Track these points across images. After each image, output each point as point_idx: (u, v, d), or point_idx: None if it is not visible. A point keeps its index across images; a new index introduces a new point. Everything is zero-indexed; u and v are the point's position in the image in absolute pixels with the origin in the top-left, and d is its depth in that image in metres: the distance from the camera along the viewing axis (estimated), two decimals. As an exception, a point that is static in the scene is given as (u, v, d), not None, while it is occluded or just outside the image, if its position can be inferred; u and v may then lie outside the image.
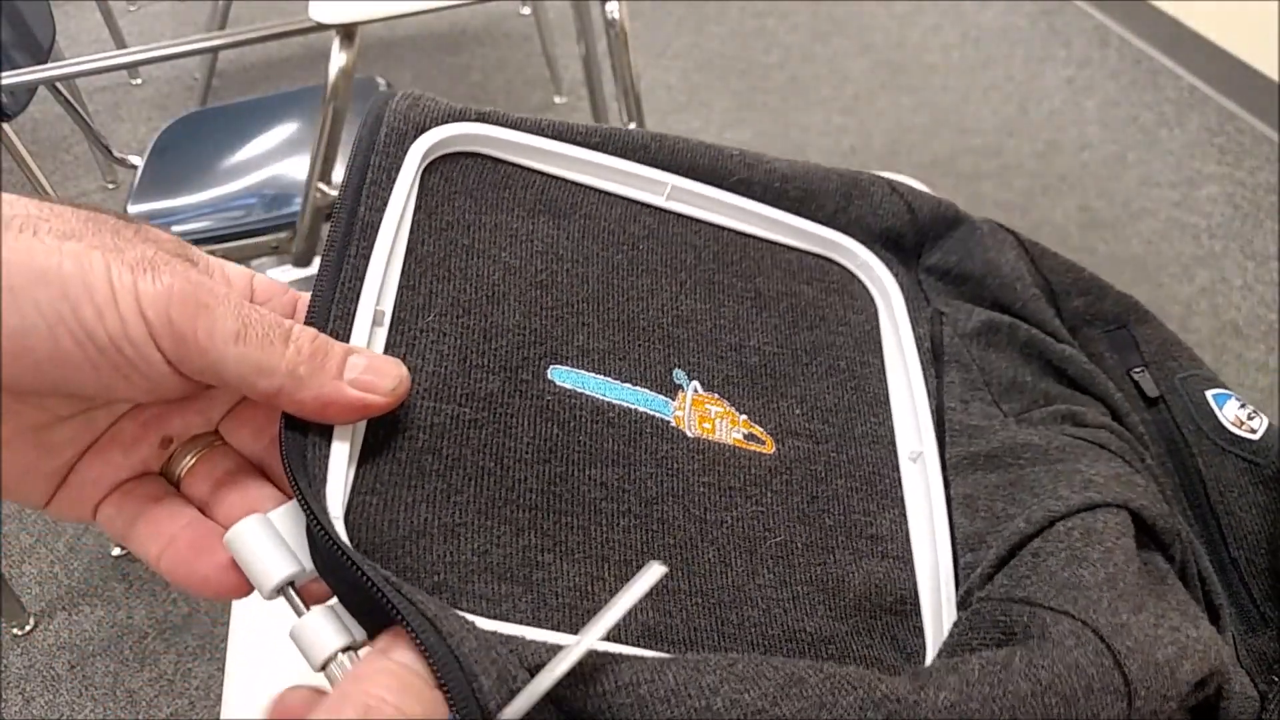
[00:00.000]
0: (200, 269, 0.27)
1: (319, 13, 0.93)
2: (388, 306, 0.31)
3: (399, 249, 0.32)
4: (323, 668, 0.24)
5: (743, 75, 2.17)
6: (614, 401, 0.33)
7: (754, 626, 0.30)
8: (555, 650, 0.24)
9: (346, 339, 0.29)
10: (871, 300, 0.42)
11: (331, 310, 0.29)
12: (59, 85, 1.33)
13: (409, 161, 0.33)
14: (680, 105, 2.09)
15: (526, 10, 2.33)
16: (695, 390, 0.35)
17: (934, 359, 0.40)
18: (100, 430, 0.27)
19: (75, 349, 0.23)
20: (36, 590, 1.29)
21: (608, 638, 0.27)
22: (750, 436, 0.35)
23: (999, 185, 1.85)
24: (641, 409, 0.33)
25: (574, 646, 0.23)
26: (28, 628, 1.25)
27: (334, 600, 0.25)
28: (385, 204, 0.32)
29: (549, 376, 0.32)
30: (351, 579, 0.24)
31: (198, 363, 0.24)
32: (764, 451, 0.35)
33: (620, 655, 0.25)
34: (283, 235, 1.23)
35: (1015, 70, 2.14)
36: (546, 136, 0.37)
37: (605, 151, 0.38)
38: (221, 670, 0.58)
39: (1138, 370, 0.43)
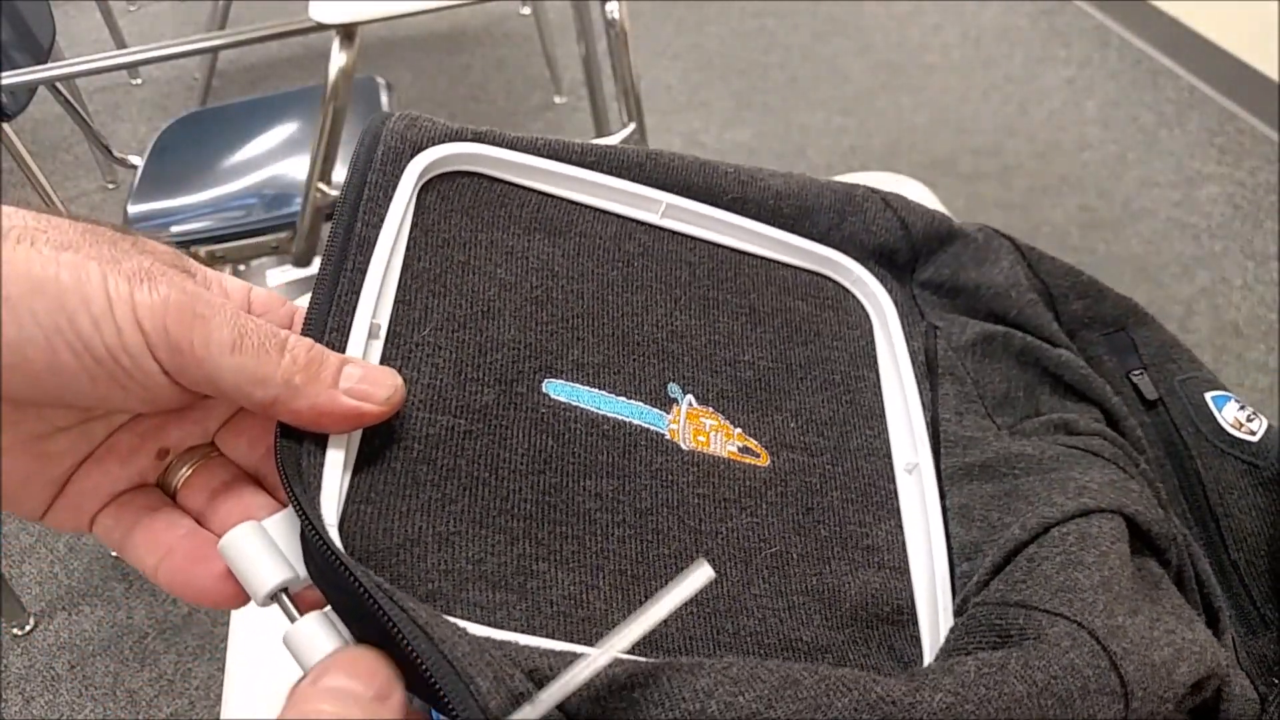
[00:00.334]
0: (198, 281, 0.27)
1: (319, 13, 0.93)
2: (383, 320, 0.31)
3: (395, 264, 0.32)
4: None
5: (743, 75, 2.17)
6: (608, 414, 0.33)
7: (750, 636, 0.30)
8: (549, 655, 0.24)
9: (342, 351, 0.29)
10: (866, 315, 0.42)
11: (328, 322, 0.30)
12: (59, 85, 1.33)
13: (405, 179, 0.34)
14: (680, 105, 2.09)
15: (526, 10, 2.33)
16: (690, 404, 0.35)
17: (929, 372, 0.40)
18: (98, 441, 0.28)
19: (72, 359, 0.23)
20: (36, 590, 1.29)
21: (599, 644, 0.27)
22: (745, 449, 0.35)
23: (999, 185, 1.85)
24: (636, 422, 0.33)
25: (614, 640, 0.23)
26: (28, 628, 1.25)
27: (328, 607, 0.25)
28: (382, 220, 0.32)
29: (544, 390, 0.32)
30: (344, 585, 0.24)
31: (194, 373, 0.24)
32: (759, 464, 0.35)
33: (615, 659, 0.25)
34: (283, 235, 1.23)
35: (1015, 70, 2.14)
36: (542, 155, 0.38)
37: (600, 170, 0.39)
38: (221, 670, 0.58)
39: (1137, 373, 0.43)
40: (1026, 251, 0.44)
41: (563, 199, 0.38)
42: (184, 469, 0.29)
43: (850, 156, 1.93)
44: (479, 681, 0.22)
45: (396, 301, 0.32)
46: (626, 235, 0.38)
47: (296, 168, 1.27)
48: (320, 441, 0.27)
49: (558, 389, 0.32)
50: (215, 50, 1.91)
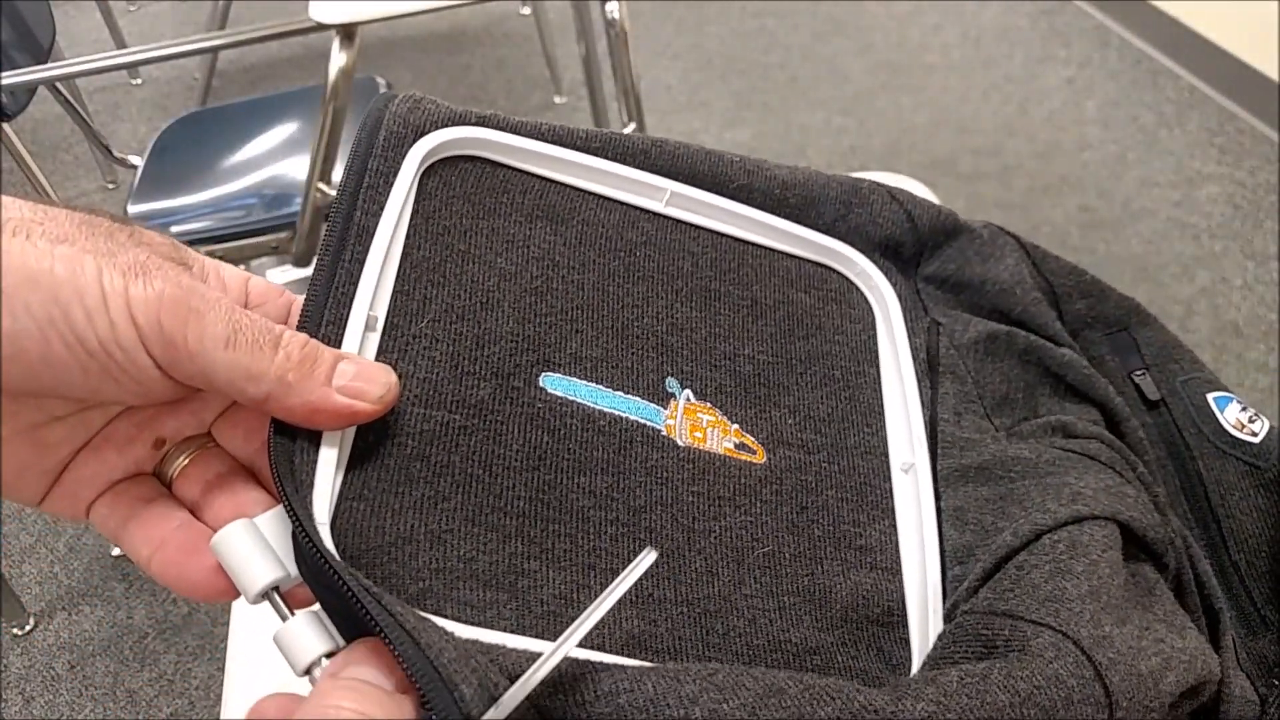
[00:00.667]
0: (195, 272, 0.27)
1: (319, 13, 0.93)
2: (381, 311, 0.31)
3: (394, 253, 0.32)
4: (306, 672, 0.24)
5: (743, 75, 2.17)
6: (605, 410, 0.33)
7: (739, 636, 0.30)
8: (536, 659, 0.23)
9: (339, 344, 0.29)
10: (869, 309, 0.42)
11: (324, 315, 0.29)
12: (59, 85, 1.33)
13: (407, 165, 0.33)
14: (680, 105, 2.09)
15: (526, 10, 2.33)
16: (688, 399, 0.35)
17: (929, 369, 0.40)
18: (95, 430, 0.28)
19: (66, 352, 0.23)
20: (36, 590, 1.29)
21: (591, 646, 0.27)
22: (741, 446, 0.35)
23: (999, 185, 1.85)
24: (633, 417, 0.33)
25: (568, 634, 0.23)
26: (28, 628, 1.25)
27: (318, 606, 0.25)
28: (382, 208, 0.32)
29: (540, 384, 0.32)
30: (333, 587, 0.24)
31: (187, 368, 0.24)
32: (755, 461, 0.35)
33: (600, 664, 0.25)
34: (283, 235, 1.23)
35: (1015, 70, 2.14)
36: (546, 141, 0.37)
37: (605, 156, 0.38)
38: (221, 670, 0.58)
39: (1139, 373, 0.43)
40: (1031, 250, 0.44)
41: (566, 185, 0.38)
42: (180, 459, 0.29)
43: (850, 156, 1.93)
44: (463, 688, 0.21)
45: (395, 292, 0.31)
46: (630, 223, 0.38)
47: (296, 168, 1.27)
48: (314, 438, 0.27)
49: (555, 383, 0.32)
50: (215, 50, 1.91)
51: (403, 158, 0.34)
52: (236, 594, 0.26)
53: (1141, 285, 1.63)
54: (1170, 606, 0.32)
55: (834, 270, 0.42)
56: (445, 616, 0.26)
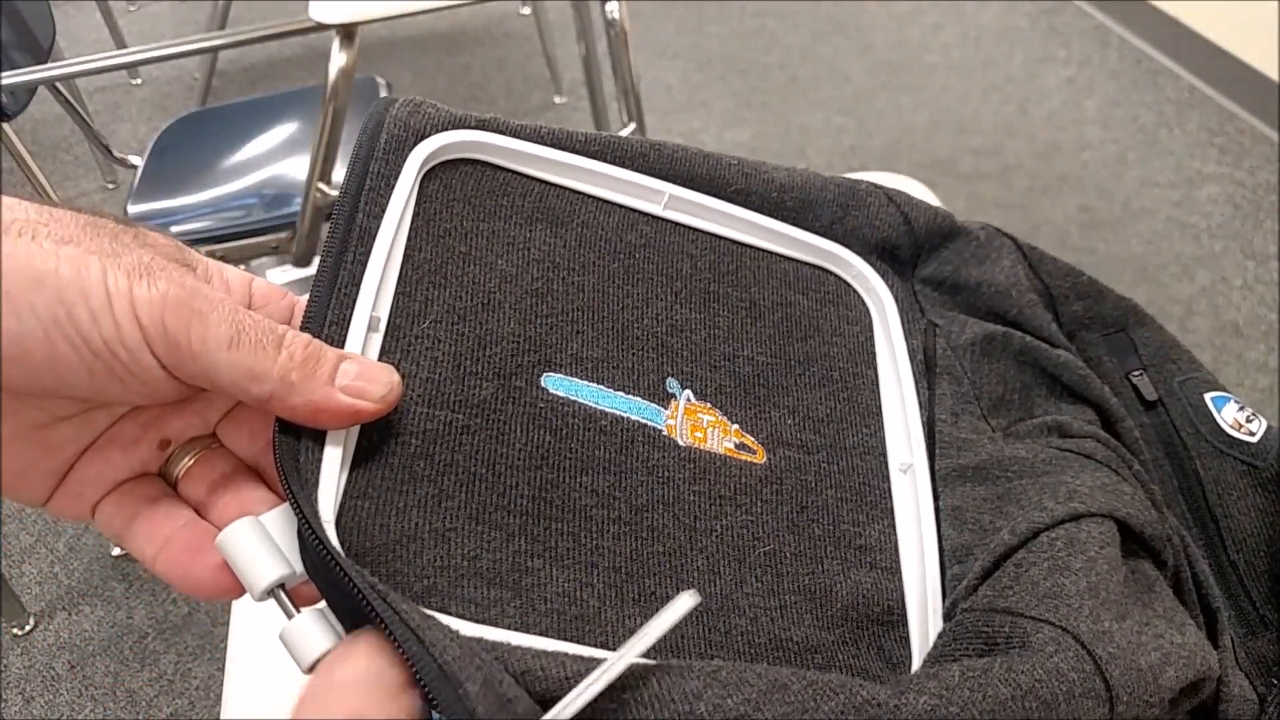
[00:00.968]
0: (199, 274, 0.27)
1: (319, 13, 0.93)
2: (384, 312, 0.31)
3: (396, 255, 0.32)
4: (311, 669, 0.24)
5: (743, 75, 2.17)
6: (606, 409, 0.33)
7: (741, 635, 0.30)
8: (541, 656, 0.24)
9: (342, 344, 0.29)
10: (866, 311, 0.42)
11: (327, 315, 0.29)
12: (59, 85, 1.33)
13: (408, 168, 0.34)
14: (680, 105, 2.09)
15: (526, 10, 2.33)
16: (688, 399, 0.35)
17: (927, 371, 0.40)
18: (100, 430, 0.28)
19: (71, 353, 0.23)
20: (36, 590, 1.29)
21: (595, 644, 0.27)
22: (741, 446, 0.35)
23: (999, 185, 1.85)
24: (634, 417, 0.33)
25: (606, 667, 0.23)
26: (28, 628, 1.25)
27: (324, 603, 0.25)
28: (383, 210, 0.32)
29: (542, 384, 0.32)
30: (339, 584, 0.24)
31: (191, 368, 0.25)
32: (755, 461, 0.35)
33: (601, 662, 0.25)
34: (283, 235, 1.23)
35: (1015, 70, 2.14)
36: (546, 144, 0.37)
37: (604, 159, 0.38)
38: (221, 670, 0.58)
39: (1136, 374, 0.43)
40: (1028, 251, 0.44)
41: (566, 188, 0.38)
42: (185, 459, 0.29)
43: (850, 156, 1.93)
44: (468, 686, 0.22)
45: (397, 293, 0.32)
46: (629, 226, 0.38)
47: (296, 168, 1.27)
48: (318, 437, 0.27)
49: (556, 383, 0.32)
50: (215, 50, 1.91)
51: (404, 161, 0.34)
52: (241, 592, 0.26)
53: (1141, 285, 1.63)
54: (1170, 603, 0.32)
55: (831, 273, 0.43)
56: (449, 614, 0.26)
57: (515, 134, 0.37)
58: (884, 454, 0.38)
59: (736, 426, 0.35)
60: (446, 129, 0.35)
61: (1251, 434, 0.40)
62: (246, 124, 1.36)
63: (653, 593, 0.30)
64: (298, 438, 0.27)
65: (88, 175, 1.97)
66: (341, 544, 0.26)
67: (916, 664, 0.32)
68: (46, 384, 0.24)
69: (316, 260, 0.33)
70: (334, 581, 0.24)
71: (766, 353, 0.38)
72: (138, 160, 1.33)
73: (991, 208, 1.80)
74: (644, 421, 0.33)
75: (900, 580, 0.34)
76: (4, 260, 0.22)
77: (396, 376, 0.28)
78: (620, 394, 0.33)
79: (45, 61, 1.26)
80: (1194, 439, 0.41)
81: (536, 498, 0.30)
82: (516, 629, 0.27)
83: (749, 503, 0.33)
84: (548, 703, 0.23)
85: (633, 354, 0.35)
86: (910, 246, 0.44)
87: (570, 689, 0.23)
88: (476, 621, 0.26)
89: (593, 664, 0.24)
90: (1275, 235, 1.70)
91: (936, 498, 0.36)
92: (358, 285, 0.30)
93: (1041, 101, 2.05)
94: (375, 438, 0.28)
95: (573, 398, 0.32)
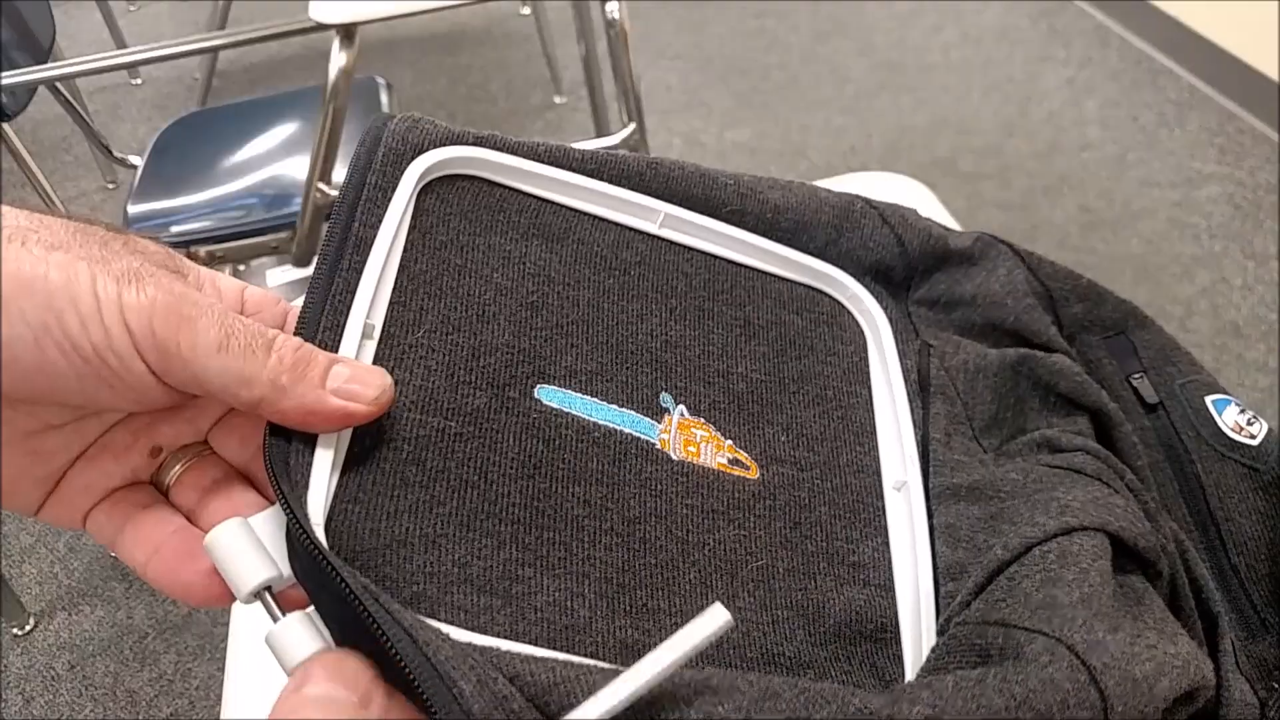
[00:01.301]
0: (190, 280, 0.27)
1: (319, 13, 0.93)
2: (378, 320, 0.31)
3: (392, 265, 0.32)
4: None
5: (743, 75, 2.17)
6: (600, 422, 0.33)
7: (733, 649, 0.30)
8: (531, 661, 0.24)
9: (335, 351, 0.29)
10: (860, 332, 0.42)
11: (321, 322, 0.29)
12: (59, 85, 1.33)
13: (405, 181, 0.34)
14: (680, 105, 2.09)
15: (526, 10, 2.33)
16: (681, 414, 0.35)
17: (921, 390, 0.40)
18: (91, 438, 0.28)
19: (61, 359, 0.23)
20: (36, 590, 1.29)
21: (585, 653, 0.27)
22: (735, 461, 0.35)
23: (999, 185, 1.85)
24: (627, 430, 0.33)
25: (635, 679, 0.23)
26: (28, 628, 1.25)
27: (311, 607, 0.25)
28: (380, 221, 0.32)
29: (536, 395, 0.32)
30: (328, 585, 0.24)
31: (181, 373, 0.24)
32: (748, 477, 0.35)
33: (595, 668, 0.25)
34: (283, 235, 1.23)
35: (1015, 70, 2.14)
36: (543, 161, 0.38)
37: (600, 178, 0.39)
38: (221, 670, 0.58)
39: (1136, 376, 0.43)
40: (1026, 256, 0.44)
41: (561, 205, 0.38)
42: (176, 466, 0.29)
43: (850, 156, 1.93)
44: (462, 685, 0.21)
45: (392, 303, 0.32)
46: (624, 244, 0.38)
47: (296, 168, 1.27)
48: (309, 441, 0.27)
49: (550, 395, 0.32)
50: (215, 50, 1.91)
51: (401, 174, 0.34)
52: (231, 599, 0.26)
53: (1141, 285, 1.63)
54: (1160, 614, 0.32)
55: (826, 294, 0.43)
56: (439, 620, 0.26)
57: (512, 151, 0.37)
58: (878, 472, 0.38)
59: (730, 442, 0.35)
60: (444, 145, 0.35)
61: (1252, 437, 0.40)
62: (246, 124, 1.36)
63: (644, 605, 0.30)
64: (288, 441, 0.27)
65: (88, 175, 1.97)
66: (331, 547, 0.26)
67: (909, 681, 0.32)
68: (37, 390, 0.24)
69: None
70: (322, 583, 0.24)
71: (760, 370, 0.38)
72: (138, 160, 1.32)
73: (991, 208, 1.80)
74: (637, 435, 0.33)
75: (894, 598, 0.34)
76: None
77: (389, 380, 0.28)
78: (614, 407, 0.33)
79: (45, 61, 1.26)
80: (1195, 442, 0.41)
81: (528, 506, 0.30)
82: (506, 637, 0.27)
83: (742, 518, 0.33)
84: (539, 708, 0.23)
85: (627, 368, 0.35)
86: (904, 268, 0.44)
87: (559, 694, 0.23)
88: (465, 628, 0.26)
89: (582, 671, 0.24)
90: (1275, 235, 1.70)
91: (930, 515, 0.36)
92: (353, 292, 0.30)
93: (1041, 101, 2.05)
94: (367, 443, 0.28)
95: (566, 409, 0.32)
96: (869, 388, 0.40)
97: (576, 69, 1.93)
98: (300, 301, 0.31)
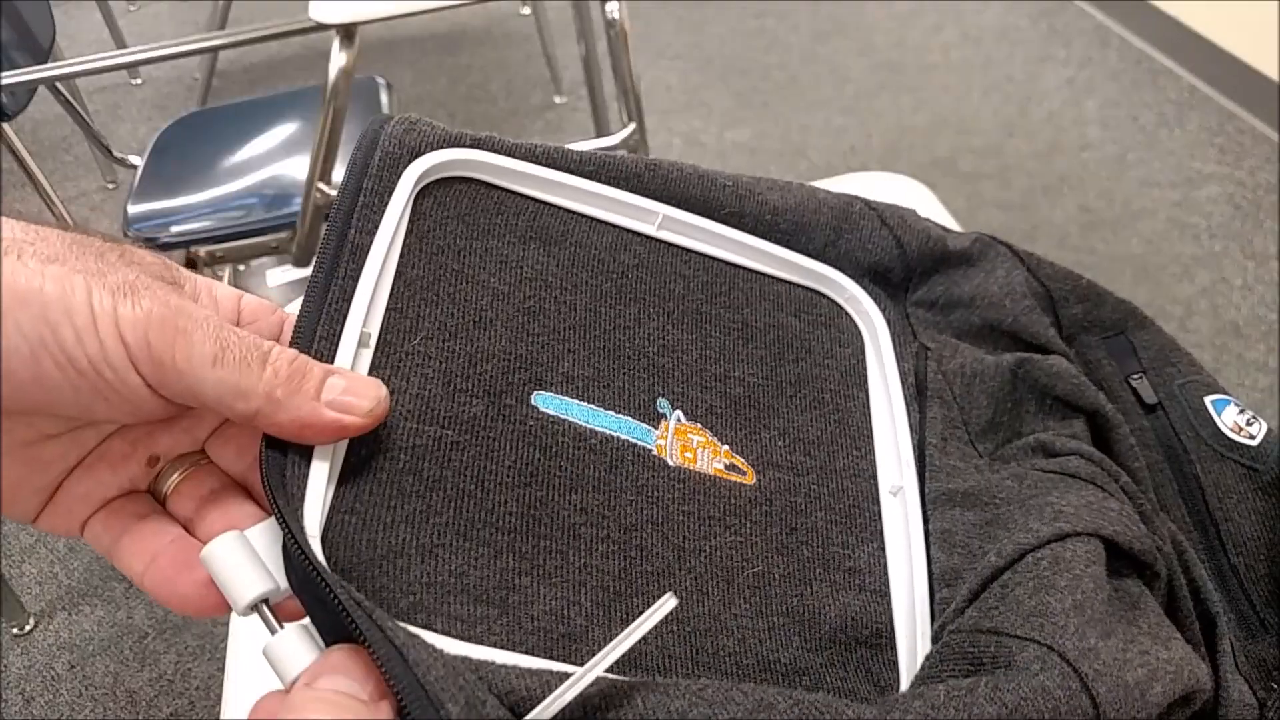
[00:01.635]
0: (186, 291, 0.28)
1: (319, 13, 0.93)
2: (375, 328, 0.31)
3: (388, 271, 0.32)
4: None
5: (743, 75, 2.17)
6: (596, 428, 0.33)
7: (729, 656, 0.30)
8: (526, 675, 0.24)
9: (331, 360, 0.29)
10: (858, 334, 0.42)
11: (318, 331, 0.29)
12: (59, 85, 1.33)
13: (402, 185, 0.34)
14: (680, 105, 2.09)
15: (526, 10, 2.33)
16: (678, 419, 0.35)
17: (918, 394, 0.40)
18: (88, 448, 0.28)
19: (56, 371, 0.23)
20: (36, 590, 1.29)
21: (581, 663, 0.27)
22: (731, 467, 0.35)
23: (999, 185, 1.85)
24: (624, 436, 0.33)
25: (582, 673, 0.23)
26: (28, 628, 1.25)
27: (308, 619, 0.25)
28: (376, 226, 0.32)
29: (532, 402, 0.32)
30: (323, 600, 0.24)
31: (176, 386, 0.25)
32: (745, 482, 0.35)
33: (591, 679, 0.25)
34: (283, 235, 1.23)
35: (1015, 70, 2.14)
36: (541, 163, 0.37)
37: (598, 180, 0.39)
38: (221, 670, 0.58)
39: (1136, 377, 0.43)
40: (1025, 257, 0.44)
41: (559, 208, 0.38)
42: (174, 476, 0.29)
43: (850, 156, 1.93)
44: (449, 707, 0.21)
45: (388, 309, 0.32)
46: (622, 246, 0.38)
47: (296, 168, 1.27)
48: (305, 453, 0.27)
49: (546, 402, 0.32)
50: (215, 50, 1.91)
51: (398, 178, 0.34)
52: (228, 608, 0.26)
53: (1141, 285, 1.63)
54: (1155, 619, 0.32)
55: (824, 295, 0.43)
56: (435, 631, 0.26)
57: (510, 153, 0.37)
58: (874, 476, 0.38)
59: (727, 448, 0.35)
60: (441, 147, 0.35)
61: (1251, 437, 0.40)
62: (246, 124, 1.36)
63: (640, 612, 0.30)
64: (284, 453, 0.27)
65: (88, 175, 1.97)
66: (327, 559, 0.26)
67: (904, 687, 0.32)
68: (34, 402, 0.24)
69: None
70: (318, 598, 0.24)
71: (758, 374, 0.38)
72: (138, 160, 1.32)
73: (991, 208, 1.80)
74: (634, 441, 0.33)
75: (889, 603, 0.34)
76: None
77: (384, 391, 0.28)
78: (610, 413, 0.33)
79: (45, 61, 1.26)
80: (1194, 442, 0.41)
81: (525, 515, 0.30)
82: (502, 647, 0.27)
83: (738, 523, 0.33)
84: None
85: (624, 374, 0.35)
86: (902, 270, 0.44)
87: (557, 708, 0.23)
88: (462, 639, 0.26)
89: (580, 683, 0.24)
90: (1275, 235, 1.70)
91: (926, 520, 0.36)
92: (349, 301, 0.30)
93: (1041, 101, 2.05)
94: (363, 453, 0.28)
95: (563, 416, 0.32)
96: (866, 391, 0.40)
97: (576, 69, 1.93)
98: (297, 307, 0.31)
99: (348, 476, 0.28)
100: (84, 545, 1.33)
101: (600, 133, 1.56)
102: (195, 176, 1.28)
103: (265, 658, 0.25)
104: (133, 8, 2.48)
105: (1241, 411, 0.41)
